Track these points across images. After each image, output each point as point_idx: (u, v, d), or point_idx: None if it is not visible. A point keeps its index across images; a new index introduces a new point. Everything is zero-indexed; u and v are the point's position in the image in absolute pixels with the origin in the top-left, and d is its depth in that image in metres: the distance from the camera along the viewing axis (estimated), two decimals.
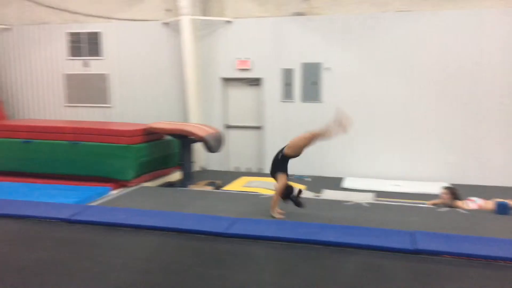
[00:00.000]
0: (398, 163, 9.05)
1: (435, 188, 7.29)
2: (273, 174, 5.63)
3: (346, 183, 8.45)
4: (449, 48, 8.60)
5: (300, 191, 5.50)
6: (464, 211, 5.81)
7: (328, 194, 7.50)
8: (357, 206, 6.03)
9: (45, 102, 10.87)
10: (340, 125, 5.59)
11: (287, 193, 5.51)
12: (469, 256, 4.06)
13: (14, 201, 5.82)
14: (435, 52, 8.66)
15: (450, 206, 6.17)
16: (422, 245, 4.24)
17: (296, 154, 5.62)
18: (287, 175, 5.57)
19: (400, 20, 8.77)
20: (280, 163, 5.61)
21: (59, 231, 4.81)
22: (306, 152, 9.33)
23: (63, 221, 5.09)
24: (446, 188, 6.56)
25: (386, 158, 9.10)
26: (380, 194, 7.58)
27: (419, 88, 8.82)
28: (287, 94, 9.45)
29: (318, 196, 7.41)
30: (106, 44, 10.30)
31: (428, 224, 5.14)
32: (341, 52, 9.08)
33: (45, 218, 5.16)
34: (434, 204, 6.41)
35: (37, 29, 10.68)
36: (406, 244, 4.27)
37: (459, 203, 6.25)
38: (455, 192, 6.41)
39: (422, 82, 8.79)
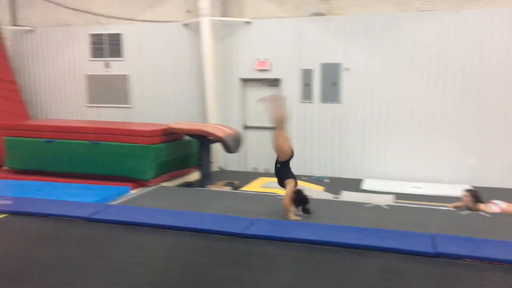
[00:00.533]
0: (419, 164, 8.92)
1: (457, 190, 7.17)
2: (281, 183, 5.59)
3: (366, 185, 8.37)
4: (472, 48, 8.44)
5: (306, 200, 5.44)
6: (486, 214, 5.69)
7: (347, 196, 7.44)
8: (377, 208, 5.96)
9: (68, 103, 11.06)
10: (275, 100, 5.81)
11: (299, 200, 5.42)
12: (491, 260, 3.97)
13: (37, 200, 5.94)
14: (458, 52, 8.51)
15: (472, 209, 6.05)
16: (443, 248, 4.17)
17: (289, 156, 5.58)
18: (294, 178, 5.51)
19: (421, 20, 8.64)
20: (282, 171, 5.58)
21: (80, 229, 4.88)
22: (325, 153, 9.35)
23: (84, 219, 5.17)
24: (468, 190, 6.43)
25: (407, 160, 8.98)
26: (400, 196, 7.48)
27: (441, 88, 8.68)
28: (306, 94, 9.41)
29: (337, 197, 7.36)
30: (127, 45, 10.43)
31: (449, 227, 5.05)
32: (361, 52, 9.00)
33: (67, 216, 5.25)
34: (455, 207, 6.29)
35: (60, 31, 10.88)
36: (427, 247, 4.21)
37: (481, 206, 6.12)
38: (477, 195, 6.28)
39: (444, 83, 8.65)
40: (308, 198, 5.47)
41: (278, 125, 5.60)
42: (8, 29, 10.99)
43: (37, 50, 11.12)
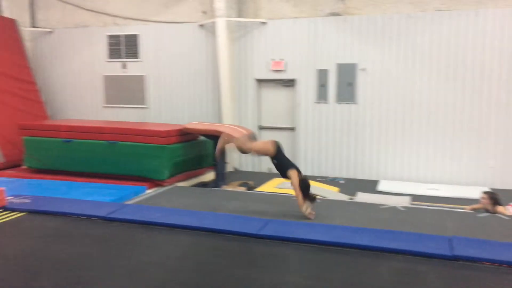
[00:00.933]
0: (435, 166, 8.82)
1: (475, 192, 7.05)
2: (284, 175, 5.60)
3: (381, 186, 8.30)
4: (492, 48, 8.31)
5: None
6: (505, 217, 5.58)
7: (363, 197, 7.39)
8: (393, 209, 5.90)
9: (85, 103, 11.21)
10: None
11: (305, 187, 5.37)
12: (509, 264, 3.89)
13: (55, 199, 6.02)
14: (477, 52, 8.38)
15: (490, 212, 5.95)
16: (460, 251, 4.10)
17: (275, 147, 5.61)
18: (295, 168, 5.52)
19: (439, 20, 8.54)
20: (281, 164, 5.62)
21: (97, 228, 4.94)
22: (340, 154, 9.29)
23: (101, 218, 5.22)
24: (486, 192, 6.33)
25: (424, 161, 8.88)
26: (416, 198, 7.40)
27: (459, 89, 8.56)
28: (321, 95, 9.37)
29: (352, 199, 7.31)
30: (143, 46, 10.52)
31: (467, 230, 4.97)
32: (377, 52, 8.93)
33: (84, 215, 5.31)
34: (473, 209, 6.20)
35: (78, 32, 11.03)
36: (444, 250, 4.15)
37: (500, 208, 6.01)
38: (495, 197, 6.17)
39: (462, 84, 8.53)
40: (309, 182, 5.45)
41: (248, 147, 5.65)
42: (27, 30, 11.18)
43: (56, 51, 11.29)
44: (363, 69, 9.04)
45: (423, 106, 8.79)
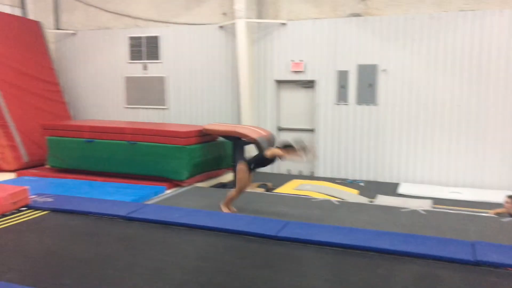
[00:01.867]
0: (458, 169, 8.65)
1: (498, 196, 6.90)
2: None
3: (402, 189, 8.19)
4: None
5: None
6: None
7: (383, 200, 7.30)
8: (414, 213, 5.82)
9: (107, 104, 11.37)
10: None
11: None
12: None
13: (77, 198, 6.13)
14: (501, 52, 8.20)
15: None
16: (483, 256, 4.02)
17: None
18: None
19: (463, 20, 8.38)
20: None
21: (117, 228, 5.00)
22: (360, 156, 9.20)
23: (121, 218, 5.29)
24: (510, 196, 6.18)
25: (446, 163, 8.73)
26: (438, 201, 7.28)
27: (483, 90, 8.39)
28: (341, 96, 9.30)
29: (372, 201, 7.24)
30: (164, 47, 10.62)
31: (490, 234, 4.87)
32: (399, 53, 8.82)
33: (105, 214, 5.39)
34: (497, 214, 6.06)
35: (101, 34, 11.20)
36: (466, 255, 4.07)
37: None
38: None
39: (486, 84, 8.35)
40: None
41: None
42: (51, 32, 11.41)
43: (78, 53, 11.49)
44: (384, 70, 8.94)
45: (445, 108, 8.65)
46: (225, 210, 5.86)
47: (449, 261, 4.02)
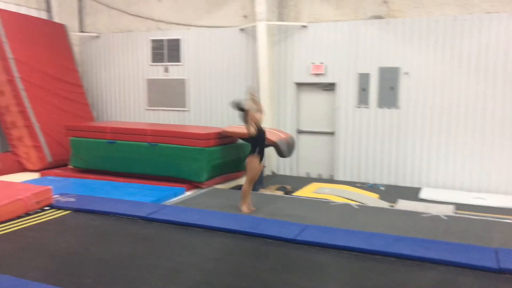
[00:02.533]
0: (482, 174, 8.46)
1: None
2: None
3: (424, 194, 8.05)
4: None
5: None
6: None
7: (404, 205, 7.19)
8: (435, 218, 5.72)
9: (129, 105, 11.52)
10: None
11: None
12: None
13: (98, 198, 6.22)
14: None
15: None
16: (507, 263, 3.92)
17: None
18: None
19: (487, 22, 8.21)
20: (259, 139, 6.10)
21: (137, 228, 5.06)
22: (381, 159, 9.09)
23: (141, 218, 5.35)
24: None
25: (469, 169, 8.55)
26: (460, 206, 7.14)
27: (508, 94, 8.19)
28: (362, 99, 9.22)
29: (392, 206, 7.14)
30: (185, 50, 10.71)
31: None
32: (422, 56, 8.69)
33: (125, 215, 5.45)
34: None
35: (123, 37, 11.37)
36: (489, 262, 3.98)
37: None
38: None
39: (511, 87, 8.16)
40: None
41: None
42: (76, 35, 11.64)
43: (101, 55, 11.68)
44: (406, 73, 8.82)
45: (469, 111, 8.48)
46: (244, 210, 5.89)
47: (472, 268, 3.93)
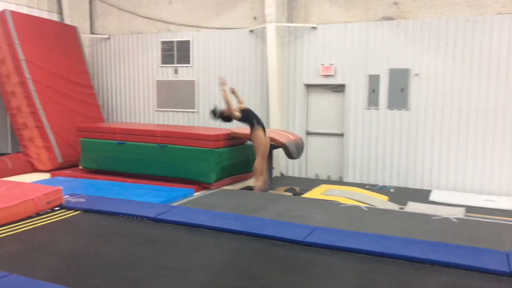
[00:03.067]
0: (493, 176, 8.39)
1: None
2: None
3: (434, 196, 7.99)
4: None
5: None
6: None
7: (414, 207, 7.14)
8: (445, 221, 5.67)
9: (138, 107, 11.59)
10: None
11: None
12: None
13: (108, 199, 6.25)
14: None
15: None
16: None
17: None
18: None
19: (499, 23, 8.14)
20: (248, 119, 6.73)
21: (146, 229, 5.07)
22: (391, 161, 9.04)
23: (150, 219, 5.37)
24: None
25: (480, 171, 8.47)
26: (471, 209, 7.07)
27: None
28: (372, 100, 9.18)
29: (402, 208, 7.09)
30: (194, 51, 10.75)
31: None
32: (432, 57, 8.64)
33: (134, 215, 5.47)
34: None
35: (134, 38, 11.45)
36: (501, 265, 3.92)
37: None
38: None
39: None
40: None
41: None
42: (86, 37, 11.74)
43: (112, 57, 11.77)
44: (417, 75, 8.77)
45: (480, 113, 8.40)
46: (259, 186, 6.05)
47: (482, 271, 3.88)
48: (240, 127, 8.73)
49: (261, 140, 6.45)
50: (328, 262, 4.15)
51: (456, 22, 8.44)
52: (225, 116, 6.62)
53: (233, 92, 6.86)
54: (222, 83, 6.58)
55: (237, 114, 6.25)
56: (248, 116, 6.45)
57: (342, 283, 3.73)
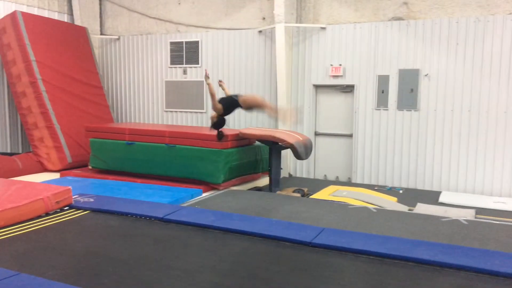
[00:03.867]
0: (503, 178, 8.29)
1: None
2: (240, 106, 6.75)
3: (443, 198, 7.92)
4: None
5: None
6: None
7: (423, 208, 7.09)
8: (455, 222, 5.62)
9: (147, 107, 11.64)
10: (285, 117, 7.61)
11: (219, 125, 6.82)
12: None
13: (116, 199, 6.29)
14: None
15: None
16: None
17: (245, 107, 6.74)
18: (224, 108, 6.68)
19: (511, 23, 8.04)
20: (230, 104, 6.71)
21: (154, 229, 5.09)
22: (400, 162, 8.97)
23: (158, 219, 5.38)
24: None
25: (490, 172, 8.38)
26: (481, 211, 7.00)
27: None
28: (381, 101, 9.13)
29: (411, 210, 7.04)
30: (203, 52, 10.77)
31: None
32: (442, 58, 8.57)
33: (142, 215, 5.50)
34: None
35: (143, 39, 11.50)
36: (510, 268, 3.88)
37: None
38: None
39: None
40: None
41: (267, 106, 6.97)
42: (96, 38, 11.82)
43: (121, 58, 11.83)
44: (427, 75, 8.70)
45: (490, 114, 8.32)
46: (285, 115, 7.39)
47: (492, 274, 3.84)
48: (249, 128, 8.73)
49: (248, 97, 7.11)
50: (337, 264, 4.13)
51: (466, 22, 8.37)
52: (218, 123, 6.85)
53: (220, 85, 7.10)
54: (207, 76, 6.80)
55: (219, 107, 6.64)
56: (228, 107, 6.78)
57: (351, 285, 3.71)
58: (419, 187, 8.89)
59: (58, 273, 3.81)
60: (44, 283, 3.41)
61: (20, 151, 10.50)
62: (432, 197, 8.03)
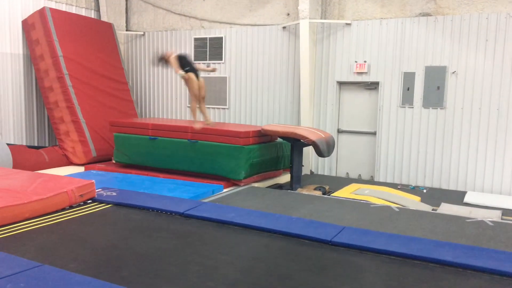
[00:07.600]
0: None
1: None
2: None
3: (468, 198, 7.73)
4: None
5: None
6: None
7: (447, 208, 6.94)
8: (480, 224, 5.47)
9: (171, 102, 11.74)
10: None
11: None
12: None
13: (139, 193, 6.37)
14: None
15: None
16: None
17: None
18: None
19: None
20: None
21: (175, 224, 5.13)
22: (425, 161, 8.80)
23: (179, 214, 5.42)
24: None
25: None
26: (507, 212, 6.81)
27: None
28: (406, 98, 8.96)
29: (435, 210, 6.90)
30: (227, 48, 10.78)
31: None
32: (471, 55, 8.35)
33: (164, 210, 5.55)
34: None
35: (168, 35, 11.58)
36: None
37: None
38: None
39: None
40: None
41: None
42: (122, 33, 11.97)
43: (146, 53, 11.95)
44: (454, 72, 8.49)
45: None
46: (197, 126, 8.02)
47: None
48: (271, 124, 8.70)
49: (193, 82, 8.00)
50: (357, 263, 4.08)
51: (497, 18, 8.12)
52: (163, 59, 8.30)
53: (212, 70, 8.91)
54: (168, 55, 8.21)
55: (175, 65, 7.97)
56: (182, 62, 8.05)
57: (370, 285, 3.66)
58: (444, 186, 8.71)
59: (79, 265, 3.88)
60: (66, 275, 3.47)
61: (47, 145, 10.74)
62: (457, 197, 7.85)
